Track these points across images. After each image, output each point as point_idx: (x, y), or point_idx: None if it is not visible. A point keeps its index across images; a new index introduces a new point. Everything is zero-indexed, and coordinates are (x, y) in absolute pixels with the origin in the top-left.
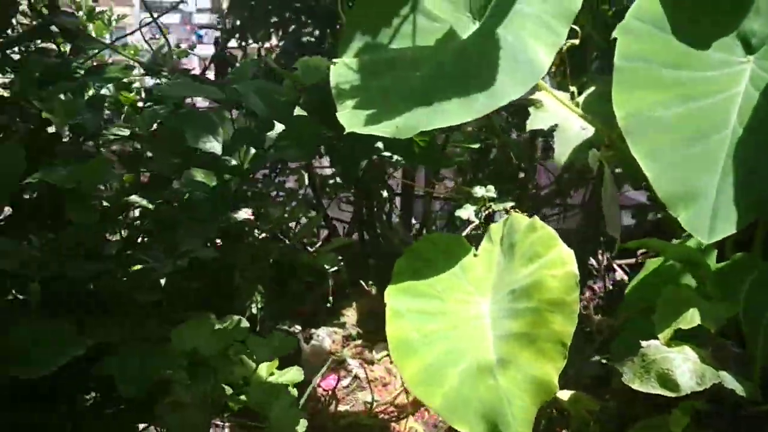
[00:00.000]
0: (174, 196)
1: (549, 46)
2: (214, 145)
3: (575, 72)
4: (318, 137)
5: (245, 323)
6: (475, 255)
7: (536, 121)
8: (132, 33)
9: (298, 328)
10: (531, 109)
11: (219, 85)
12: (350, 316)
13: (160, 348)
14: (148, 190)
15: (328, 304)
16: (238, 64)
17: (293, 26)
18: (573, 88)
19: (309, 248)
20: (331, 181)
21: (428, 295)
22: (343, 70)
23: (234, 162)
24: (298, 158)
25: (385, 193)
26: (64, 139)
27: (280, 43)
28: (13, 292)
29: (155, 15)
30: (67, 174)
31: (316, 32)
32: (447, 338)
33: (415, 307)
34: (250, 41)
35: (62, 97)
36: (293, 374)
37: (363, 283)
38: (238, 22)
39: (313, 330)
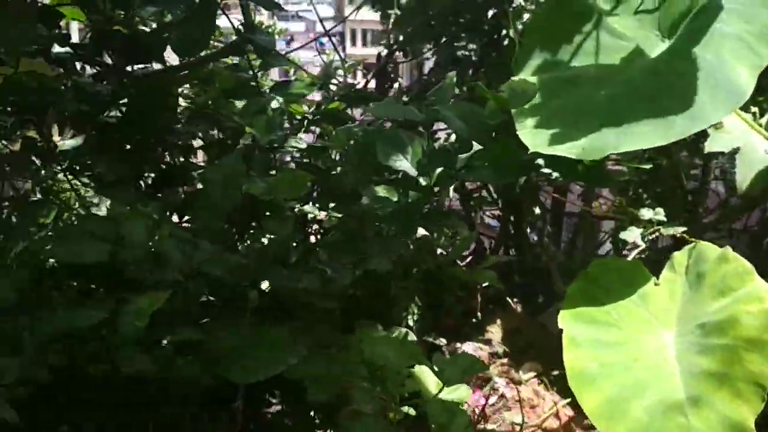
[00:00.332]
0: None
1: (752, 68)
2: (403, 164)
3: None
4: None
5: (412, 336)
6: (656, 284)
7: (716, 142)
8: (303, 46)
9: (443, 341)
10: (710, 131)
11: (419, 107)
12: (495, 332)
13: (337, 356)
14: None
15: (475, 319)
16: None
17: (445, 39)
18: (754, 109)
19: (458, 262)
20: (476, 195)
21: (605, 323)
22: None
23: (423, 181)
24: (492, 180)
25: (537, 210)
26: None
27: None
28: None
29: (328, 28)
30: (266, 186)
31: (470, 46)
32: (628, 370)
33: (591, 335)
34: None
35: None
36: (462, 392)
37: (509, 300)
38: (401, 37)
39: (458, 344)
